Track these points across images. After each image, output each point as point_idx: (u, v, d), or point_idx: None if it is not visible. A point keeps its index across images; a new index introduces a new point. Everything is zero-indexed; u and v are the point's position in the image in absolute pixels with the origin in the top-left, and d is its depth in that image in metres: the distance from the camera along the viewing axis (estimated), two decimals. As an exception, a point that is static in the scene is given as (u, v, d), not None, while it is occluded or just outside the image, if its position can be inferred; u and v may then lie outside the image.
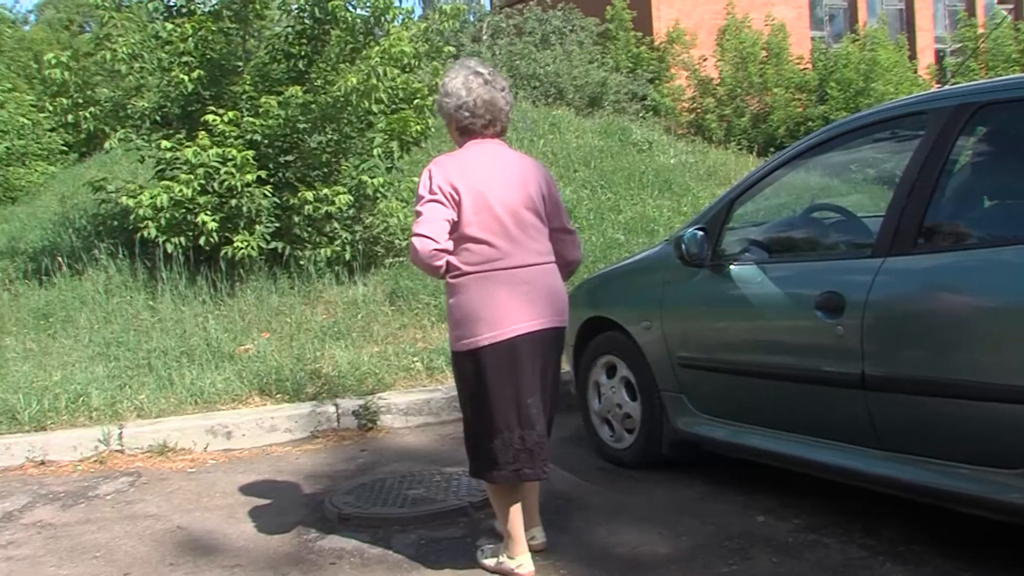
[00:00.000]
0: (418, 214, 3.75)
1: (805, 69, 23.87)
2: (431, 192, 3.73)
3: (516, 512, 3.93)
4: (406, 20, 9.74)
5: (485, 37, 22.79)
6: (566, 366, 5.31)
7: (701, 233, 4.69)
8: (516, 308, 3.76)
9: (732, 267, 4.60)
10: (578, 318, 5.61)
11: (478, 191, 3.76)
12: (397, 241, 9.31)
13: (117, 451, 6.11)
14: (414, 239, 3.72)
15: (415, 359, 7.01)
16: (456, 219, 3.74)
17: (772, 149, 20.38)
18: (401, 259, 9.30)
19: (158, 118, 9.52)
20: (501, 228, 3.77)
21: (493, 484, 3.92)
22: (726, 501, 4.66)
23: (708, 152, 15.52)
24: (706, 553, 4.06)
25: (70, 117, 9.42)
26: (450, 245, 3.74)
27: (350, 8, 9.35)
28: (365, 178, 9.01)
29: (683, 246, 4.68)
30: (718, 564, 3.94)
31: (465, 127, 3.92)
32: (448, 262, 3.77)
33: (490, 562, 4.05)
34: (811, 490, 4.55)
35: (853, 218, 4.80)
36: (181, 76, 8.86)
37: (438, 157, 3.92)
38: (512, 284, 3.78)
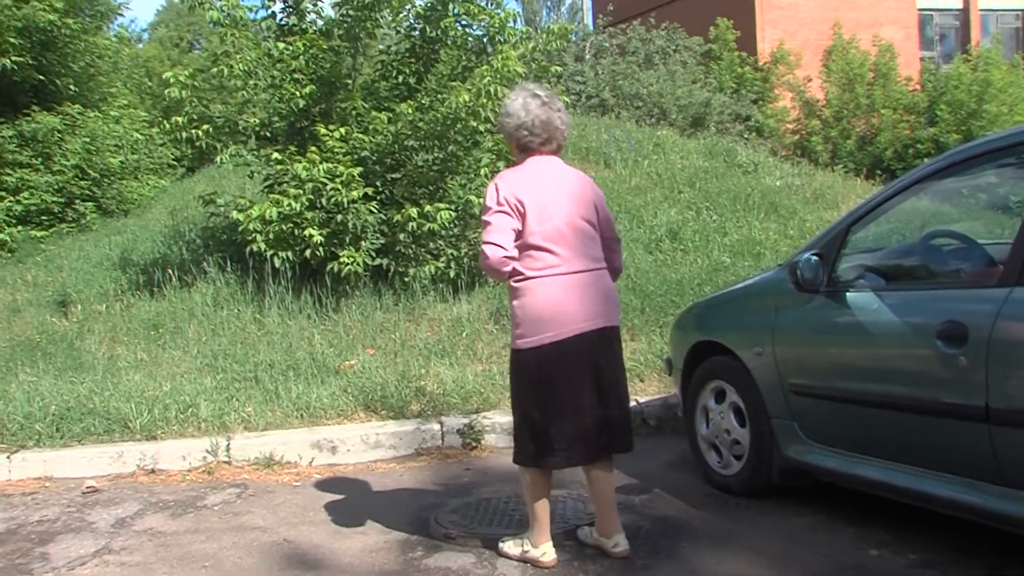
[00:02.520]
0: (487, 224, 4.12)
1: (914, 90, 23.43)
2: (498, 204, 4.12)
3: (546, 503, 4.29)
4: (518, 40, 9.74)
5: (588, 56, 22.79)
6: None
7: (816, 258, 4.60)
8: (575, 309, 4.14)
9: (848, 294, 4.51)
10: (687, 342, 5.57)
11: (541, 203, 4.14)
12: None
13: (224, 462, 6.21)
14: (485, 247, 4.08)
15: (518, 379, 6.98)
16: (521, 228, 4.13)
17: (879, 172, 20.01)
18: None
19: (268, 134, 9.69)
20: (561, 237, 4.15)
21: (540, 469, 4.23)
22: (838, 532, 4.56)
23: (814, 175, 15.26)
24: (817, 585, 3.96)
25: (185, 134, 9.63)
26: (515, 252, 4.11)
27: (460, 27, 9.43)
28: (472, 197, 9.05)
29: (798, 271, 4.60)
30: (830, 597, 3.85)
31: (524, 145, 4.29)
32: (513, 267, 4.14)
33: (513, 551, 4.34)
34: (928, 524, 4.42)
35: (975, 245, 4.68)
36: (293, 92, 9.01)
37: (503, 172, 4.35)
38: (571, 288, 4.16)
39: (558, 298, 4.13)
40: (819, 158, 21.33)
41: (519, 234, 4.12)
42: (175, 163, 19.29)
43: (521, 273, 4.15)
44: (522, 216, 4.11)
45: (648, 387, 6.93)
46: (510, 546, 4.40)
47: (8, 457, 6.31)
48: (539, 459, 4.21)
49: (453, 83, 9.19)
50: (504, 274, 4.15)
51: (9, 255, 13.37)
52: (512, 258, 4.09)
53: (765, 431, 4.93)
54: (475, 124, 8.84)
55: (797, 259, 4.66)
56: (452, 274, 9.06)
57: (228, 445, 6.26)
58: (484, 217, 4.14)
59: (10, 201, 13.85)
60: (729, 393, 5.21)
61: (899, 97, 22.77)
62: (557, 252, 4.14)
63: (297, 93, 9.01)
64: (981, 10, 31.67)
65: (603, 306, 4.24)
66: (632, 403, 6.46)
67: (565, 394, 4.16)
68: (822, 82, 23.63)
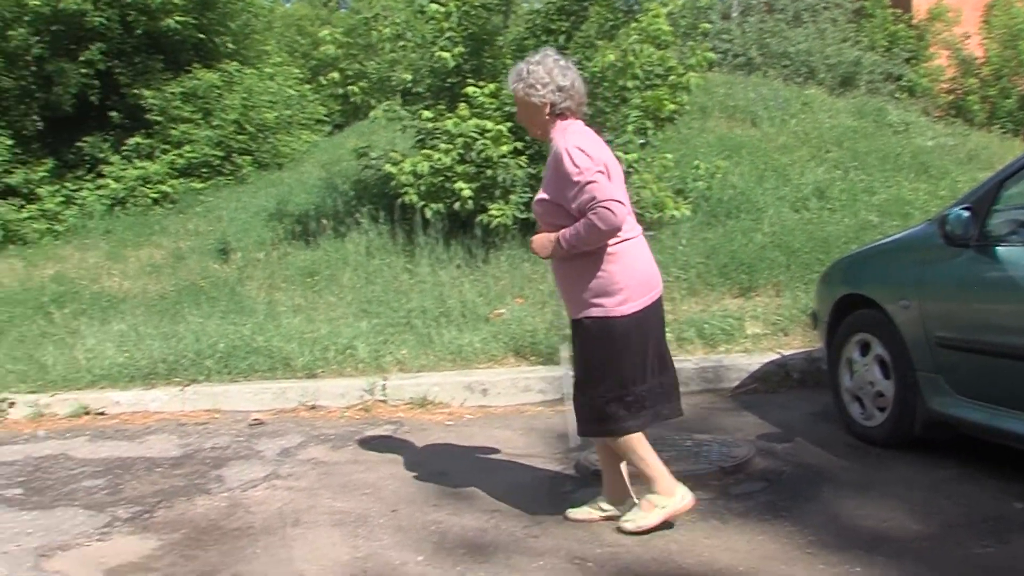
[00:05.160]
0: (591, 183, 3.90)
1: (1084, 46, 22.42)
2: (595, 163, 3.95)
3: (655, 454, 4.19)
4: (665, -1, 9.79)
5: (735, 14, 22.49)
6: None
7: (967, 213, 4.60)
8: (655, 267, 4.22)
9: (999, 248, 4.50)
10: (832, 295, 5.61)
11: (612, 164, 4.08)
12: (647, 215, 9.42)
13: (380, 401, 6.53)
14: (610, 204, 3.86)
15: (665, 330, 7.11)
16: None
17: (1041, 132, 19.30)
18: (651, 232, 9.39)
19: (420, 90, 9.95)
20: (627, 197, 4.07)
21: (636, 434, 4.13)
22: (980, 484, 4.57)
23: (969, 135, 14.85)
24: (958, 533, 4.02)
25: (340, 90, 9.97)
26: None
27: (610, -16, 9.52)
28: (619, 153, 9.15)
29: (947, 226, 4.62)
30: (971, 544, 3.90)
31: (562, 110, 4.15)
32: None
33: (652, 518, 4.16)
34: (1075, 480, 4.43)
35: None
36: (443, 55, 9.24)
37: (570, 136, 4.08)
38: (646, 249, 4.20)
39: (648, 258, 4.16)
40: (975, 118, 20.65)
41: None
42: (326, 119, 19.84)
43: (617, 236, 4.01)
44: (609, 177, 3.99)
45: (792, 341, 6.98)
46: (641, 516, 4.19)
47: (181, 389, 6.79)
48: (632, 427, 4.13)
49: (600, 41, 9.29)
50: (614, 236, 4.00)
51: (171, 206, 14.06)
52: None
53: (910, 383, 4.96)
54: (623, 82, 8.94)
55: (947, 213, 4.67)
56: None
57: (384, 385, 6.57)
58: (583, 177, 3.91)
59: (173, 154, 14.52)
60: (874, 346, 5.25)
61: (1066, 54, 21.85)
62: (632, 212, 4.13)
63: (447, 55, 9.24)
64: None
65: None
66: (776, 356, 6.59)
67: (653, 354, 4.15)
68: (981, 39, 22.80)
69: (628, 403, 4.10)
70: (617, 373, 4.10)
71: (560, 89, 4.12)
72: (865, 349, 5.33)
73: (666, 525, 4.18)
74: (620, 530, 4.21)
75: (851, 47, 20.72)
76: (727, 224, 9.55)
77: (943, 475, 4.72)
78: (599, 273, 4.04)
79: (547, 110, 4.15)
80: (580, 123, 4.20)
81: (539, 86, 4.13)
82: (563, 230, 4.02)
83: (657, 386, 4.16)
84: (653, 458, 4.18)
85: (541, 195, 4.18)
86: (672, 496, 4.17)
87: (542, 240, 4.16)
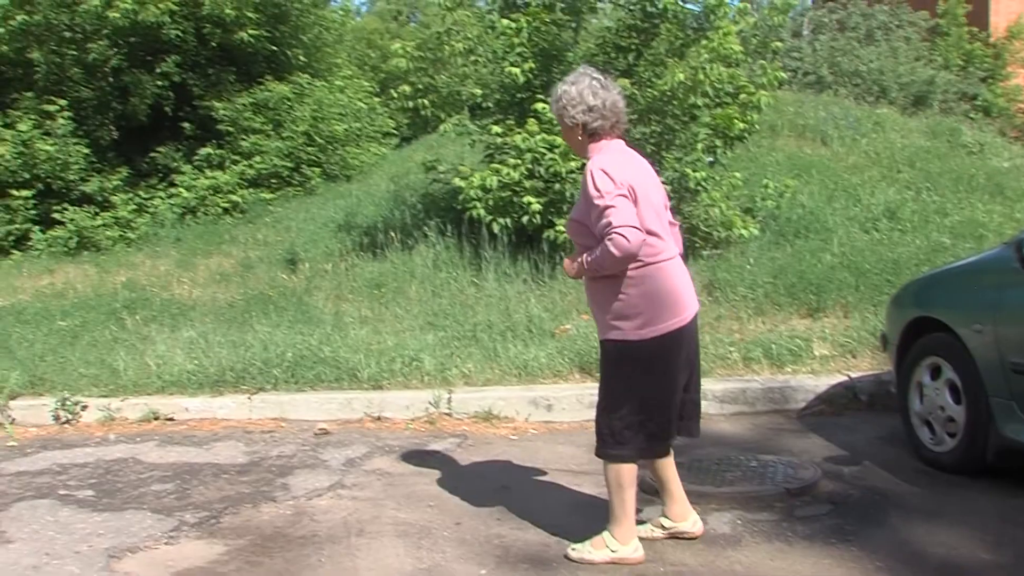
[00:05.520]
0: (610, 207, 3.84)
1: None
2: (617, 187, 3.89)
3: (633, 495, 4.19)
4: (737, 16, 9.76)
5: (806, 32, 22.33)
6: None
7: (1045, 238, 4.54)
8: (686, 293, 4.12)
9: (1079, 274, 4.43)
10: (903, 318, 5.54)
11: (642, 187, 4.01)
12: (716, 233, 9.39)
13: (445, 414, 6.55)
14: (624, 230, 3.79)
15: (731, 349, 7.07)
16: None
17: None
18: (719, 251, 9.37)
19: (489, 105, 10.02)
20: (659, 222, 4.08)
21: (629, 468, 4.14)
22: (1055, 515, 4.50)
23: (1049, 157, 14.61)
24: (1033, 565, 3.94)
25: (410, 103, 10.05)
26: None
27: (680, 2, 9.50)
28: (688, 171, 9.13)
29: (1024, 250, 4.55)
30: (1045, 575, 3.84)
31: (594, 130, 4.11)
32: None
33: (597, 556, 4.15)
34: None
35: None
36: (512, 70, 9.28)
37: (599, 156, 4.06)
38: (680, 273, 4.13)
39: (674, 283, 4.05)
40: (1055, 140, 20.29)
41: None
42: (395, 132, 20.03)
43: (639, 260, 3.94)
44: (635, 200, 3.93)
45: (861, 363, 6.90)
46: (587, 550, 4.19)
47: (249, 398, 6.87)
48: (647, 451, 4.16)
49: (670, 59, 9.28)
50: (632, 262, 3.93)
51: (241, 215, 14.28)
52: (644, 242, 3.90)
53: (982, 409, 4.88)
54: (693, 99, 8.93)
55: (1023, 237, 4.60)
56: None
57: (449, 398, 6.59)
58: (603, 202, 3.86)
59: (244, 165, 14.75)
60: (945, 370, 5.17)
61: None
62: (663, 237, 4.05)
63: (517, 71, 9.28)
64: None
65: (693, 290, 4.23)
66: (844, 378, 6.52)
67: (678, 380, 4.11)
68: (1062, 58, 22.38)
69: (647, 430, 4.10)
70: (636, 398, 4.09)
71: (590, 109, 4.09)
72: (936, 373, 5.26)
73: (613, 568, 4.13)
74: (566, 555, 4.22)
75: (925, 66, 20.45)
76: (795, 244, 9.48)
77: (1015, 504, 4.65)
78: (619, 296, 4.02)
79: (579, 131, 4.14)
80: (618, 143, 4.18)
81: (570, 107, 4.12)
82: (586, 253, 4.02)
83: (677, 413, 4.17)
84: (631, 501, 4.16)
85: (573, 215, 4.21)
86: (626, 545, 4.14)
87: (571, 261, 4.18)
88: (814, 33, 22.12)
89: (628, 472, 4.14)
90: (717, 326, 7.76)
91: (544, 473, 5.40)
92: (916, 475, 5.12)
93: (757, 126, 9.98)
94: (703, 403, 6.28)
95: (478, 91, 9.91)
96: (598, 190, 3.89)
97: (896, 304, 5.84)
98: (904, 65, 19.94)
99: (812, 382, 6.58)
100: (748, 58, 10.07)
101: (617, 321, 4.05)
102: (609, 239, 3.82)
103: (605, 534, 4.18)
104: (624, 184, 3.90)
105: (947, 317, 5.18)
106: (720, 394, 6.48)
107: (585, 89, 4.11)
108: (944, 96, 19.99)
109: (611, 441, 4.15)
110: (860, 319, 7.58)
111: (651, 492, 4.88)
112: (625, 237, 3.78)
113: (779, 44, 11.13)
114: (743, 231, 9.12)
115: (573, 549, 4.21)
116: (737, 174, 9.73)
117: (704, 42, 9.14)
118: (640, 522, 4.41)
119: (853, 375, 6.64)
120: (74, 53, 14.79)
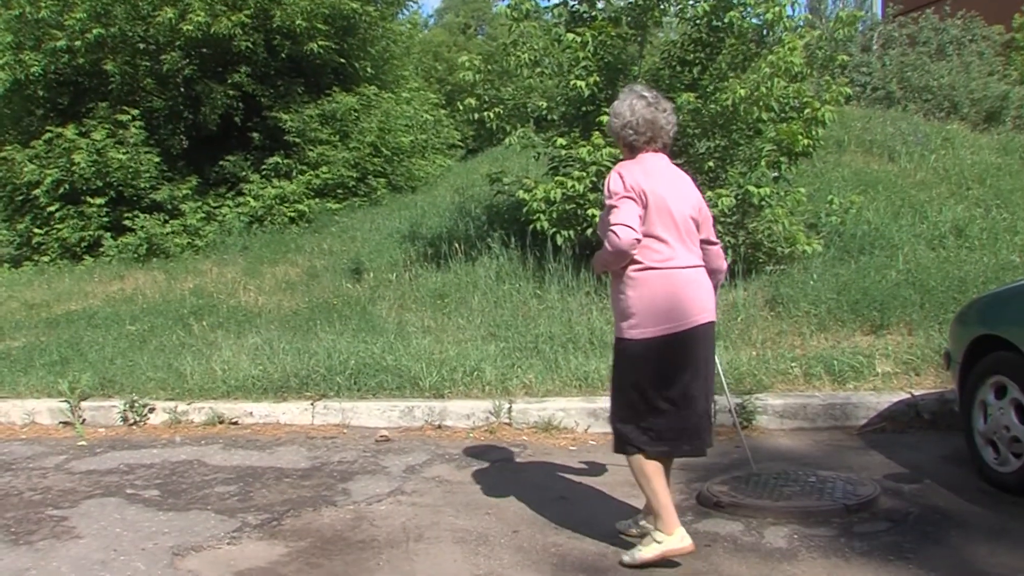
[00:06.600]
0: (613, 208, 4.13)
1: None
2: (626, 190, 4.14)
3: (667, 489, 4.27)
4: (801, 29, 9.72)
5: (875, 47, 22.11)
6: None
7: (1114, 256, 4.48)
8: (690, 304, 4.19)
9: None
10: (968, 336, 5.48)
11: (659, 195, 4.19)
12: (780, 248, 9.34)
13: (506, 423, 6.61)
14: (617, 228, 4.06)
15: (793, 364, 7.04)
16: (643, 217, 4.15)
17: None
18: (782, 267, 9.32)
19: (554, 118, 10.07)
20: (675, 231, 4.22)
21: (647, 460, 4.24)
22: (1122, 538, 4.43)
23: None
24: (1097, 587, 3.91)
25: (475, 115, 10.14)
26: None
27: (743, 16, 9.47)
28: (751, 187, 9.08)
29: (1093, 268, 4.49)
30: (1110, 600, 3.79)
31: (631, 143, 4.37)
32: (632, 256, 4.17)
33: (648, 552, 4.18)
34: None
35: None
36: (578, 83, 9.32)
37: (622, 163, 4.34)
38: (687, 282, 4.23)
39: (675, 291, 4.17)
40: None
41: (641, 222, 4.15)
42: (459, 144, 20.16)
43: (639, 263, 4.16)
44: (644, 206, 4.15)
45: (924, 381, 6.83)
46: (637, 550, 4.24)
47: (312, 404, 6.99)
48: (644, 446, 4.24)
49: (732, 74, 9.27)
50: (628, 258, 4.14)
51: (307, 225, 14.47)
52: (639, 242, 4.11)
53: (1048, 430, 4.83)
54: (756, 114, 8.91)
55: (1092, 256, 4.55)
56: (729, 260, 9.14)
57: (510, 408, 6.65)
58: (610, 201, 4.16)
59: (310, 175, 14.95)
60: (1010, 389, 5.10)
61: None
62: (673, 245, 4.19)
63: (582, 83, 9.32)
64: None
65: (709, 301, 4.30)
66: (907, 396, 6.46)
67: (675, 386, 4.19)
68: None
69: (635, 426, 4.27)
70: (627, 396, 4.31)
71: (626, 124, 4.35)
72: (1001, 392, 5.19)
73: (667, 563, 4.17)
74: (621, 561, 4.26)
75: (998, 81, 20.16)
76: (860, 260, 9.39)
77: (1082, 526, 4.59)
78: (620, 295, 4.26)
79: (622, 143, 4.44)
80: (655, 156, 4.36)
81: (613, 121, 4.42)
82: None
83: (677, 422, 4.22)
84: (663, 491, 4.24)
85: (600, 216, 4.48)
86: (671, 535, 4.17)
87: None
88: (884, 48, 21.90)
89: (646, 463, 4.26)
90: (779, 341, 7.73)
91: (602, 484, 5.43)
92: (979, 495, 5.06)
93: (822, 142, 9.92)
94: (763, 417, 6.39)
95: (543, 103, 9.96)
96: (609, 191, 4.20)
97: (960, 322, 5.77)
98: (976, 80, 19.66)
99: (874, 399, 6.54)
100: (813, 72, 10.02)
101: (617, 319, 4.33)
102: (605, 236, 4.14)
103: (652, 531, 4.26)
104: (634, 188, 4.15)
105: (1012, 335, 5.11)
106: (780, 409, 6.46)
107: (626, 105, 4.37)
108: (1018, 112, 19.67)
109: (618, 433, 4.40)
110: (924, 337, 7.50)
111: (708, 505, 4.91)
112: (616, 234, 4.06)
113: (845, 58, 11.04)
114: (806, 247, 9.06)
115: (627, 555, 4.27)
116: (802, 190, 9.67)
117: (769, 56, 9.11)
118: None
119: (916, 393, 6.58)
120: (147, 64, 15.13)
